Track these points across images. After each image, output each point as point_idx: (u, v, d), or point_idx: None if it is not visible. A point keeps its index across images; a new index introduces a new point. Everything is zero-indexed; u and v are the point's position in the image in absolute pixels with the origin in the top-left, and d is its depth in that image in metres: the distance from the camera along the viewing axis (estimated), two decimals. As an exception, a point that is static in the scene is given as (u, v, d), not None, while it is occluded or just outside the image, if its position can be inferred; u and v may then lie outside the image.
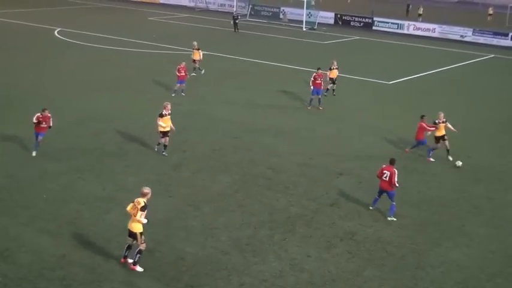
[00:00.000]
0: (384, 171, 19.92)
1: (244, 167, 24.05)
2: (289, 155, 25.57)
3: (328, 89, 34.92)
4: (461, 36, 59.75)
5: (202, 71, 38.86)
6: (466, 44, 57.71)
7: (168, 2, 77.30)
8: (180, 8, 74.42)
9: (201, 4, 75.18)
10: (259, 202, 20.98)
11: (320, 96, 32.40)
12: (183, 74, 33.48)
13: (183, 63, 34.13)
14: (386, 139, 28.29)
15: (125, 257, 16.61)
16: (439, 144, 25.73)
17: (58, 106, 31.27)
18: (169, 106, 24.54)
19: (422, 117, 25.83)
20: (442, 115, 25.95)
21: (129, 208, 16.37)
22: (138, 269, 16.27)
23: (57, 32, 53.96)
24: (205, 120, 29.76)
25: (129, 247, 16.55)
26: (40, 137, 23.91)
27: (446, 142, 25.64)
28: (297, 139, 27.84)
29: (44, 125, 23.83)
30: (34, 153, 24.02)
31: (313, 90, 32.25)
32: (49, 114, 24.03)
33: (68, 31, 54.45)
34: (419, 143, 25.93)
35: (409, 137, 28.67)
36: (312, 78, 32.25)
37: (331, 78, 34.81)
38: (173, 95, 33.10)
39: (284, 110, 32.23)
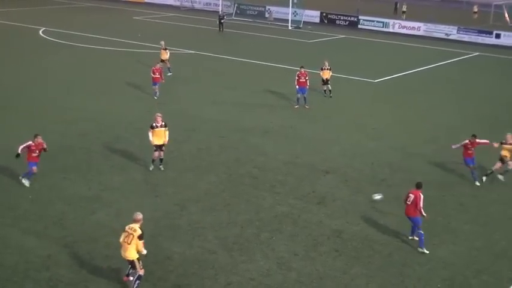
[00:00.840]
0: (409, 195, 18.26)
1: (231, 166, 24.03)
2: (275, 154, 25.58)
3: (325, 90, 34.78)
4: (446, 34, 60.01)
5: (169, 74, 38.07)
6: (451, 42, 57.95)
7: (154, 1, 76.95)
8: (166, 7, 74.15)
9: (186, 3, 74.98)
10: (245, 201, 20.97)
11: (305, 95, 32.38)
12: (158, 75, 33.05)
13: (158, 64, 33.90)
14: (372, 137, 28.36)
15: (128, 275, 15.79)
16: (498, 164, 23.20)
17: (43, 106, 31.18)
18: (159, 118, 22.80)
19: (473, 136, 23.26)
20: (509, 136, 23.12)
21: (122, 238, 15.29)
22: None
23: (42, 32, 53.62)
24: (191, 120, 29.70)
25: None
26: (34, 167, 21.02)
27: (511, 162, 23.13)
28: (283, 138, 27.86)
29: (35, 153, 20.94)
30: (27, 183, 21.25)
31: (298, 89, 32.31)
32: (41, 141, 21.14)
33: (52, 31, 54.11)
34: (465, 162, 23.50)
35: (394, 135, 28.83)
36: (296, 77, 32.30)
37: (323, 79, 34.61)
38: (155, 97, 32.99)
39: (270, 109, 32.23)
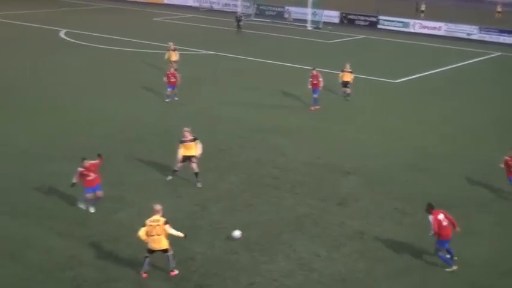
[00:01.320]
0: (437, 218, 16.84)
1: (251, 167, 24.06)
2: (296, 155, 25.56)
3: (344, 91, 34.51)
4: (468, 34, 59.55)
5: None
6: (473, 42, 57.49)
7: (173, 3, 77.20)
8: (185, 8, 74.33)
9: (205, 4, 75.15)
10: (266, 202, 20.98)
11: (316, 95, 32.24)
12: (173, 80, 32.66)
13: (172, 69, 33.64)
14: (393, 138, 28.24)
15: (147, 272, 16.27)
16: None
17: (65, 107, 31.44)
18: (187, 133, 21.76)
19: None
20: None
21: (143, 233, 15.89)
22: (176, 271, 16.31)
23: (63, 33, 54.03)
24: (211, 120, 29.75)
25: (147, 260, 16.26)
26: (89, 194, 19.56)
27: None
28: (303, 138, 27.83)
29: (91, 176, 19.39)
30: (83, 206, 19.86)
31: (312, 90, 32.29)
32: (93, 162, 19.60)
33: (73, 32, 54.48)
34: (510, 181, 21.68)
35: (415, 136, 28.68)
36: (310, 79, 32.30)
37: (344, 82, 34.39)
38: (167, 100, 32.79)
39: (290, 110, 32.21)
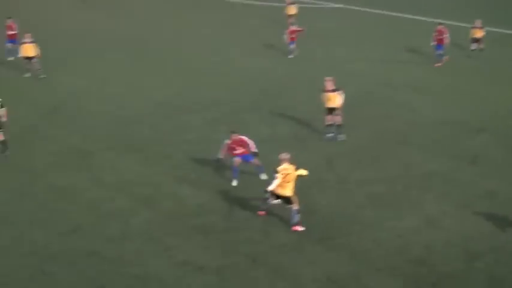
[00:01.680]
0: None
1: (379, 122, 23.70)
2: (424, 110, 24.89)
3: (473, 49, 32.99)
4: None
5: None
6: None
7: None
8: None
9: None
10: (394, 157, 20.64)
11: (441, 52, 31.18)
12: (294, 36, 32.66)
13: (291, 25, 33.70)
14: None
15: (265, 211, 16.84)
16: None
17: (196, 60, 32.30)
18: (330, 83, 21.61)
19: None
20: None
21: (279, 181, 15.98)
22: (300, 228, 16.20)
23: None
24: (338, 75, 29.18)
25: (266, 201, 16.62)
26: (237, 159, 18.70)
27: None
28: (432, 94, 27.03)
29: (237, 151, 18.67)
30: (235, 183, 18.90)
31: (436, 46, 31.30)
32: (241, 137, 18.79)
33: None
34: None
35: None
36: (435, 34, 31.27)
37: (474, 38, 32.81)
38: (290, 56, 32.85)
39: (418, 65, 31.38)
